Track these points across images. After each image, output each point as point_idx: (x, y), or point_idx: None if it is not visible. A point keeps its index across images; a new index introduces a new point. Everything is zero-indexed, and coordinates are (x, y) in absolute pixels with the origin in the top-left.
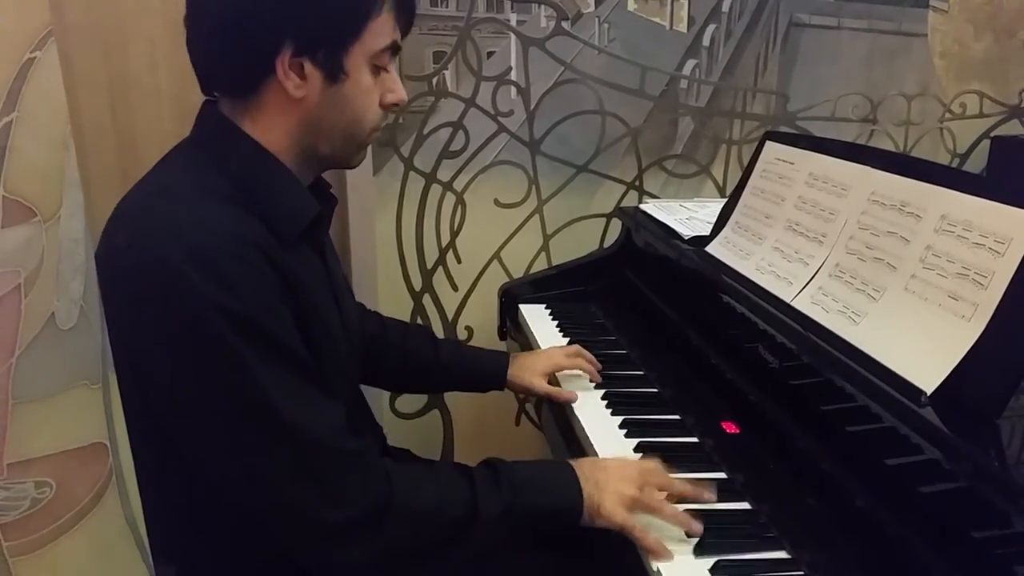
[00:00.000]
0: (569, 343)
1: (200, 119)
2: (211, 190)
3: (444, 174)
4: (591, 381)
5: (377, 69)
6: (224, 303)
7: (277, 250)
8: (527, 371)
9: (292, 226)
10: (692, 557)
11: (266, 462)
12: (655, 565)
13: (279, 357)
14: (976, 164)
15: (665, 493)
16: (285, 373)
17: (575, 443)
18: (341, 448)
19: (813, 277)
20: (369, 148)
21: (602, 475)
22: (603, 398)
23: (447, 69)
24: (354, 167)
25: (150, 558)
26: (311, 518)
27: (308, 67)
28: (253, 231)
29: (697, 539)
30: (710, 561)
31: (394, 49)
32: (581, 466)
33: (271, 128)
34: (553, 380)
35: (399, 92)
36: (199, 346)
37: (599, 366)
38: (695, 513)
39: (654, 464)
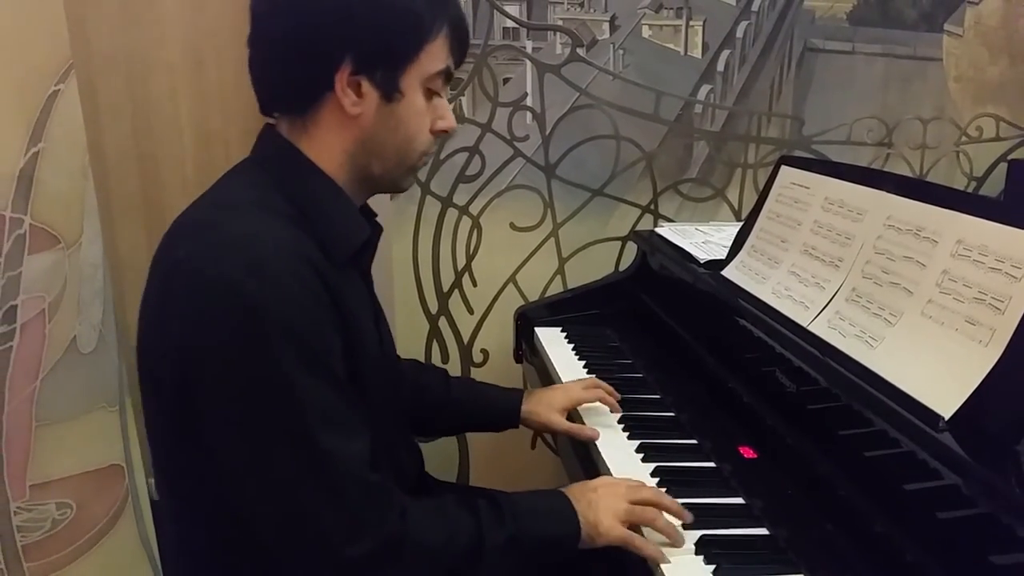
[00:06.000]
0: (585, 366)
1: (260, 139)
2: (270, 207)
3: (460, 198)
4: (612, 412)
5: (430, 94)
6: (282, 318)
7: (328, 270)
8: (544, 407)
9: (343, 248)
10: None
11: (292, 480)
12: None
13: (325, 378)
14: (993, 188)
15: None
16: (327, 395)
17: (591, 467)
18: (365, 479)
19: (830, 301)
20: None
21: (592, 495)
22: (620, 422)
23: (464, 95)
24: (403, 190)
25: None
26: (330, 548)
27: (365, 85)
28: (308, 249)
29: (716, 564)
30: None
31: (447, 75)
32: (571, 490)
33: (327, 146)
34: (573, 413)
35: (450, 119)
36: (251, 356)
37: (618, 396)
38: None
39: (638, 482)
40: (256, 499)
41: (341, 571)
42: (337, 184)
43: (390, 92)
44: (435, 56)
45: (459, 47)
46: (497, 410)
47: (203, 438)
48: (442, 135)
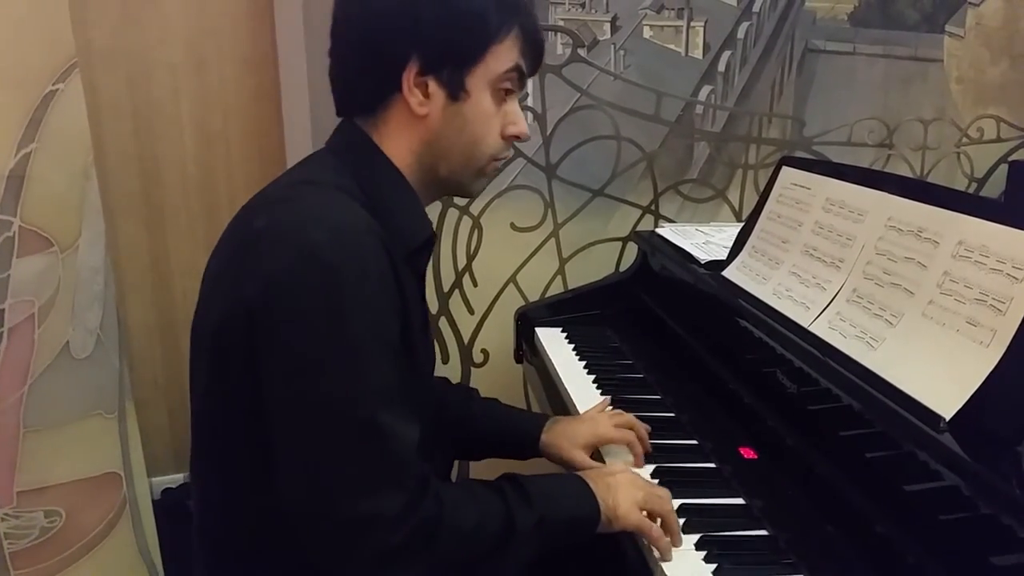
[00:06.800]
0: (586, 367)
1: (336, 131)
2: (347, 190)
3: (461, 198)
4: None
5: (500, 96)
6: (359, 288)
7: (396, 259)
8: (566, 440)
9: (406, 242)
10: None
11: (343, 457)
12: None
13: (389, 356)
14: (993, 189)
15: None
16: (389, 372)
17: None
18: (416, 463)
19: (831, 302)
20: None
21: (610, 479)
22: None
23: None
24: (474, 195)
25: None
26: (373, 530)
27: (432, 85)
28: (381, 233)
29: (716, 564)
30: None
31: (519, 80)
32: (588, 475)
33: (396, 146)
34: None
35: (521, 125)
36: (323, 316)
37: (649, 448)
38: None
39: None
40: (302, 468)
41: (381, 555)
42: (407, 180)
43: (456, 91)
44: (502, 57)
45: (531, 51)
46: (515, 431)
47: (260, 405)
48: (514, 140)
